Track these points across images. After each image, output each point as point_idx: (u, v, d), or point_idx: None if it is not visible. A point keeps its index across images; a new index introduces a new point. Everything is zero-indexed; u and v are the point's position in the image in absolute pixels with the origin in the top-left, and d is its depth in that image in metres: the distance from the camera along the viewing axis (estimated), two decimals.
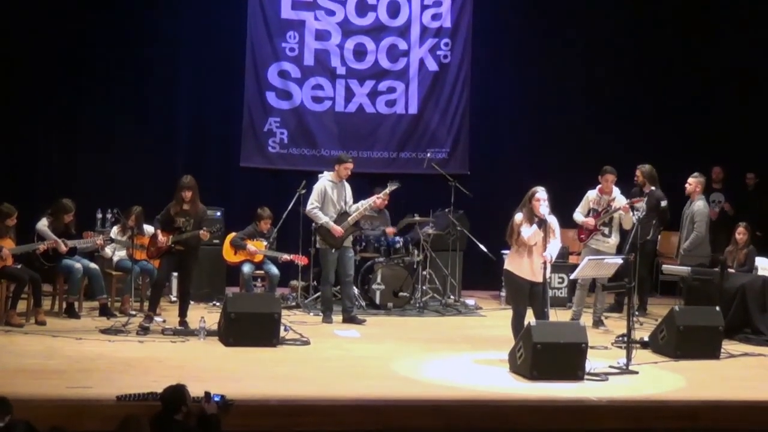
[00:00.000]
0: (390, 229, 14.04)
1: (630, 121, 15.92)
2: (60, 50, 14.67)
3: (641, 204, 12.45)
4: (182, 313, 11.41)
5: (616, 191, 12.38)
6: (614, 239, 12.32)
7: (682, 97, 16.04)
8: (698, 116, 15.96)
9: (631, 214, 12.06)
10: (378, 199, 12.71)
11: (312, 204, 12.30)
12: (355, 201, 12.58)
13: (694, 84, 16.04)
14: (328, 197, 12.30)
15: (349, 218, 12.35)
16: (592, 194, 12.48)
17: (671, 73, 16.08)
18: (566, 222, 11.96)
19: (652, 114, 16.05)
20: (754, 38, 15.79)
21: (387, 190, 12.76)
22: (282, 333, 10.78)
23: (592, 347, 9.83)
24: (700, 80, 16.04)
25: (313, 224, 12.76)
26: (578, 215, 12.42)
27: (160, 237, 11.32)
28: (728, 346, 11.05)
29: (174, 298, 12.87)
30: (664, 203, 13.15)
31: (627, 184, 13.13)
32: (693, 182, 12.89)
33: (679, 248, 13.02)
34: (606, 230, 12.30)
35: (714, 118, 15.91)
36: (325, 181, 12.41)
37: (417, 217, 13.85)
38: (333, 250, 12.26)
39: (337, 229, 12.18)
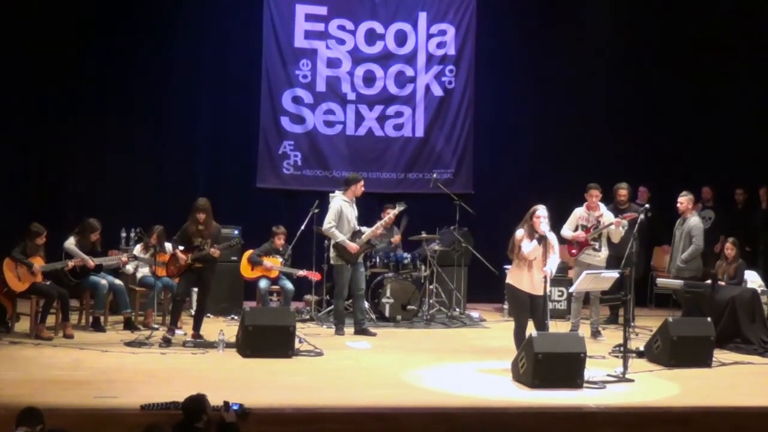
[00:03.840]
0: (396, 238, 14.03)
1: (627, 144, 15.94)
2: (85, 82, 14.76)
3: (626, 221, 12.41)
4: (197, 327, 11.39)
5: (602, 207, 12.41)
6: (604, 253, 12.35)
7: (678, 118, 16.06)
8: (693, 136, 15.98)
9: (621, 228, 12.14)
10: (389, 219, 12.83)
11: (329, 223, 12.32)
12: (365, 218, 12.66)
13: (688, 104, 16.07)
14: (344, 216, 12.33)
15: (363, 236, 12.39)
16: (579, 211, 12.49)
17: (669, 95, 16.10)
18: (561, 238, 11.98)
19: (651, 135, 16.05)
20: (748, 58, 15.86)
21: (395, 211, 12.78)
22: (297, 345, 10.78)
23: (590, 357, 9.80)
24: (696, 101, 16.08)
25: (326, 241, 12.83)
26: (567, 231, 12.40)
27: (181, 256, 11.36)
28: (719, 355, 11.05)
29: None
30: (642, 216, 12.99)
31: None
32: (684, 201, 12.80)
33: (670, 263, 12.98)
34: (596, 245, 12.34)
35: (706, 137, 15.92)
36: (340, 201, 12.42)
37: (424, 235, 13.84)
38: (348, 266, 12.29)
39: (353, 246, 12.22)
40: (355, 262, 12.36)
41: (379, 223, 12.72)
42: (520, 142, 15.99)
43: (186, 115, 15.20)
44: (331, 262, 12.52)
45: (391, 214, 12.86)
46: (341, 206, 12.37)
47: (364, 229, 12.48)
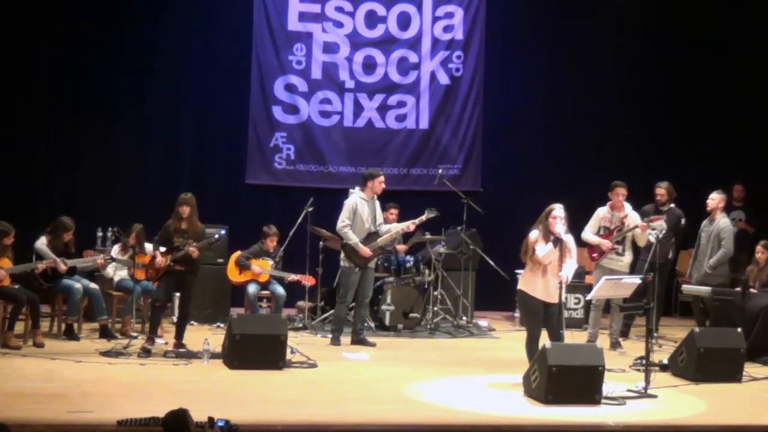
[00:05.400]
0: (401, 246, 14.03)
1: (648, 137, 15.94)
2: (61, 69, 14.80)
3: (660, 222, 12.41)
4: (179, 335, 11.40)
5: (628, 208, 12.37)
6: (628, 258, 12.33)
7: (704, 114, 16.05)
8: (720, 133, 15.99)
9: (648, 232, 12.08)
10: (413, 224, 12.67)
11: (343, 222, 12.28)
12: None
13: (716, 101, 16.07)
14: (359, 215, 12.30)
15: (379, 239, 12.37)
16: (602, 211, 12.46)
17: (691, 89, 16.08)
18: (581, 241, 11.98)
19: (671, 130, 16.05)
20: None
21: (423, 217, 12.68)
22: (288, 355, 10.77)
23: (609, 370, 9.79)
24: (723, 96, 16.08)
25: (321, 242, 12.82)
26: (589, 234, 12.37)
27: (159, 258, 11.34)
28: (751, 369, 11.04)
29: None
30: (683, 221, 13.13)
31: (641, 201, 13.10)
32: (717, 198, 12.81)
33: (692, 267, 12.99)
34: (619, 249, 12.30)
35: (737, 134, 15.93)
36: (356, 197, 12.39)
37: (428, 236, 13.82)
38: (357, 269, 12.28)
39: (366, 251, 12.20)
40: (365, 266, 12.35)
41: (398, 228, 12.67)
42: (533, 136, 15.98)
43: (168, 104, 15.21)
44: (340, 263, 12.47)
45: (417, 220, 12.66)
46: (356, 204, 12.31)
47: (384, 228, 12.46)
